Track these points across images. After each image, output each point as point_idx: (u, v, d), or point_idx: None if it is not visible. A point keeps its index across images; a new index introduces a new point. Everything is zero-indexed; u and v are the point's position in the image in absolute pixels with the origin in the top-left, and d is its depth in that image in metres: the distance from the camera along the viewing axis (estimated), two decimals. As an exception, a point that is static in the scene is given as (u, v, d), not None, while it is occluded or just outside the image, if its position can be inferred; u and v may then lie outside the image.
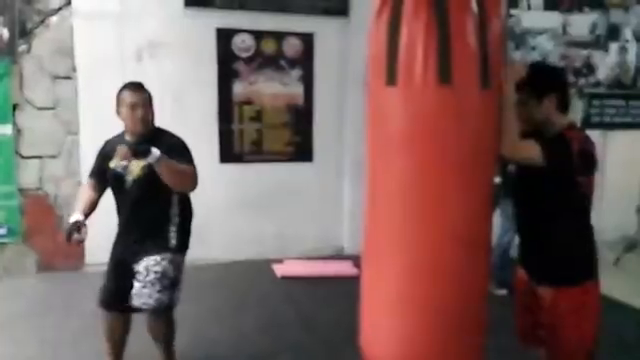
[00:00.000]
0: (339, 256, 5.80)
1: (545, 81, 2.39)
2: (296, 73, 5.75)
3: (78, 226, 2.95)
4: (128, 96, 3.09)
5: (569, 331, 2.35)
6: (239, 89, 5.63)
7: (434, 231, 2.04)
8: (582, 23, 6.63)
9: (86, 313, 4.27)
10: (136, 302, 3.05)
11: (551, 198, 2.33)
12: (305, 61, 5.80)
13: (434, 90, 1.97)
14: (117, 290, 3.13)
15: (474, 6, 1.99)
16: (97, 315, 4.19)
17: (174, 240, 3.10)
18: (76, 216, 3.00)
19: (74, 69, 5.25)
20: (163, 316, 3.14)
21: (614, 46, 6.79)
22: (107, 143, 3.28)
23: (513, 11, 6.23)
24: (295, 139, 5.81)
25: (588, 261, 2.41)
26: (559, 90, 2.40)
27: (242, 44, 5.60)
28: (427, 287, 2.07)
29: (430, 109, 1.99)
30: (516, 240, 4.41)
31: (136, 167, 3.00)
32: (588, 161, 2.30)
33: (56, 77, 5.23)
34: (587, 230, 2.42)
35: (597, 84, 6.76)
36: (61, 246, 5.30)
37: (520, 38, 6.33)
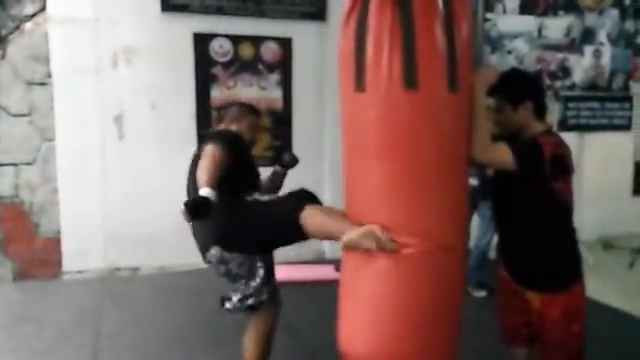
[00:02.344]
0: (320, 260, 5.80)
1: (520, 88, 2.40)
2: (274, 77, 5.74)
3: (208, 208, 2.27)
4: (253, 118, 3.11)
5: (560, 334, 2.37)
6: (217, 94, 5.61)
7: (408, 233, 2.05)
8: (557, 26, 6.71)
9: (63, 322, 4.24)
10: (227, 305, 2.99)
11: (528, 203, 2.33)
12: (283, 65, 5.80)
13: (401, 96, 1.98)
14: None
15: (440, 9, 2.00)
16: (75, 325, 4.17)
17: None
18: (206, 191, 2.30)
19: (49, 75, 5.19)
20: None
21: (589, 49, 6.88)
22: (239, 133, 2.97)
23: (489, 15, 6.27)
24: (274, 143, 5.79)
25: (573, 265, 2.42)
26: (534, 96, 2.40)
27: (220, 49, 5.58)
28: (404, 288, 2.08)
29: (397, 115, 2.01)
30: (494, 241, 4.47)
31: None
32: (561, 165, 2.29)
33: (31, 83, 5.18)
34: (569, 235, 2.43)
35: (573, 87, 6.84)
36: (37, 254, 5.28)
37: (496, 42, 6.38)
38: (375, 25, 2.00)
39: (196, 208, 2.23)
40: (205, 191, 2.28)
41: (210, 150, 2.54)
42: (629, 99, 7.14)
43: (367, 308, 2.14)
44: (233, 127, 2.99)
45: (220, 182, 2.40)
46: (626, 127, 7.15)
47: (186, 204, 2.21)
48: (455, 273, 2.19)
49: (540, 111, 2.41)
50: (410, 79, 1.96)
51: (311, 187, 2.68)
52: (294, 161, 3.26)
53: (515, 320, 2.51)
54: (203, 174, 2.40)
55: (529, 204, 2.33)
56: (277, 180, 3.26)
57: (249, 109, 3.12)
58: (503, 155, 2.24)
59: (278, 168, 3.26)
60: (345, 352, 2.21)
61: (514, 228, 2.44)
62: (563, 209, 2.38)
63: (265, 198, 2.72)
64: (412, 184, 2.05)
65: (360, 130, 2.11)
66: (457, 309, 2.23)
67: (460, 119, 2.10)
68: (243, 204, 2.65)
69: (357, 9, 2.06)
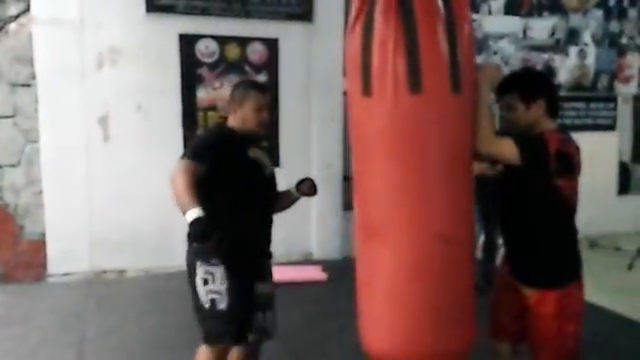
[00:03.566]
0: (308, 261, 5.79)
1: (534, 86, 2.42)
2: (261, 78, 5.71)
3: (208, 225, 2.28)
4: (257, 96, 2.68)
5: (552, 332, 2.37)
6: (203, 95, 5.59)
7: (418, 230, 2.14)
8: (542, 27, 6.76)
9: (48, 325, 4.20)
10: (272, 331, 2.77)
11: (529, 198, 2.35)
12: (270, 66, 5.78)
13: (406, 99, 2.06)
14: (249, 316, 2.67)
15: (442, 13, 2.07)
16: (60, 328, 4.13)
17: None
18: (197, 212, 2.26)
19: (33, 76, 5.14)
20: None
21: (574, 49, 6.94)
22: (222, 131, 2.80)
23: (474, 16, 6.30)
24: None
25: (571, 264, 2.43)
26: (548, 94, 2.42)
27: (205, 50, 5.55)
28: (415, 283, 2.16)
29: (404, 118, 2.09)
30: (480, 242, 4.50)
31: (268, 163, 2.74)
32: (566, 162, 2.29)
33: (15, 85, 5.13)
34: (570, 233, 2.44)
35: (558, 87, 6.87)
36: (22, 257, 5.23)
37: (482, 42, 6.41)
38: (380, 31, 2.08)
39: (197, 234, 2.24)
40: (193, 213, 2.24)
41: (178, 167, 2.40)
42: (614, 99, 7.21)
43: (382, 303, 2.23)
44: (236, 115, 2.67)
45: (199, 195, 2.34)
46: (611, 127, 7.22)
47: (188, 235, 2.26)
48: (464, 267, 2.26)
49: (553, 110, 2.43)
50: (415, 83, 2.05)
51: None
52: (312, 191, 2.87)
53: (506, 315, 2.54)
54: (182, 197, 2.29)
55: (532, 199, 2.35)
56: (285, 201, 2.90)
57: (251, 85, 2.80)
58: (508, 149, 2.27)
59: (294, 192, 2.88)
60: (366, 346, 2.32)
61: (517, 223, 2.46)
62: (565, 207, 2.38)
63: None
64: (420, 183, 2.13)
65: (368, 133, 2.20)
66: (468, 303, 2.30)
67: (464, 119, 2.18)
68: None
69: (362, 16, 2.14)
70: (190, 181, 2.35)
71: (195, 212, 2.24)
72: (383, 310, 2.23)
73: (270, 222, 2.78)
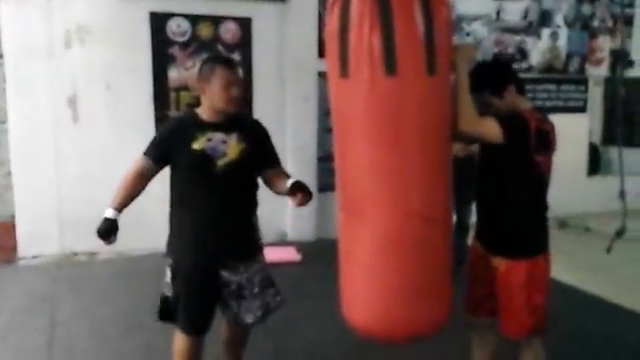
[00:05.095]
0: (283, 242, 5.79)
1: (499, 78, 2.51)
2: (234, 58, 5.65)
3: (114, 227, 2.55)
4: (224, 72, 2.54)
5: (520, 301, 2.46)
6: (175, 75, 5.51)
7: (395, 209, 2.18)
8: (515, 9, 6.79)
9: (18, 308, 4.15)
10: (248, 319, 2.71)
11: (508, 174, 2.45)
12: (243, 46, 5.72)
13: (382, 81, 2.09)
14: (208, 310, 2.66)
15: None
16: (31, 311, 4.07)
17: (261, 236, 2.81)
18: (110, 213, 2.56)
19: (1, 55, 5.02)
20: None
21: (546, 32, 6.99)
22: (179, 120, 2.90)
23: (449, -3, 6.29)
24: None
25: (540, 236, 2.54)
26: (512, 78, 2.55)
27: (177, 28, 5.47)
28: (392, 260, 2.20)
29: (380, 99, 2.11)
30: (453, 221, 4.54)
31: (234, 148, 2.57)
32: (544, 140, 2.42)
33: (-19, 64, 5.00)
34: (541, 206, 2.55)
35: (529, 69, 6.94)
36: (-10, 239, 5.14)
37: (455, 24, 6.41)
38: (356, 13, 2.09)
39: (99, 231, 2.55)
40: (107, 212, 2.58)
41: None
42: (585, 81, 7.29)
43: (361, 279, 2.29)
44: (206, 95, 2.58)
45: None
46: (581, 109, 7.31)
47: (97, 231, 2.54)
48: (441, 246, 2.31)
49: (521, 88, 2.56)
50: (390, 65, 2.07)
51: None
52: (305, 201, 2.57)
53: (480, 291, 2.62)
54: (115, 190, 2.64)
55: (511, 175, 2.44)
56: (279, 188, 2.71)
57: (217, 60, 2.67)
58: (491, 128, 2.35)
59: (287, 189, 2.63)
60: (347, 319, 2.38)
61: (491, 197, 2.56)
62: (541, 182, 2.51)
63: None
64: (397, 163, 2.16)
65: (347, 114, 2.23)
66: (444, 279, 2.34)
67: (440, 100, 2.22)
68: None
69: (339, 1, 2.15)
70: (133, 176, 2.61)
71: (110, 212, 2.57)
72: (362, 285, 2.29)
73: (237, 212, 2.65)
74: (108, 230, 2.53)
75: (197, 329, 2.64)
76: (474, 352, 2.80)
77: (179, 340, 2.65)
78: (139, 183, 2.61)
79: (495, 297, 2.55)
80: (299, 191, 2.53)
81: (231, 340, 2.88)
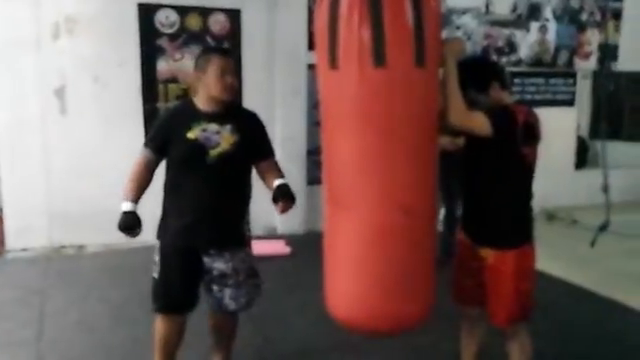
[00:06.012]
0: (272, 236, 5.79)
1: (483, 76, 2.55)
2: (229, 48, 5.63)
3: (136, 219, 2.57)
4: (219, 60, 2.61)
5: (509, 289, 2.51)
6: (163, 67, 5.48)
7: (381, 201, 2.19)
8: (504, 2, 6.79)
9: (6, 301, 4.13)
10: (232, 306, 2.78)
11: (496, 166, 2.49)
12: (232, 38, 5.69)
13: (371, 72, 2.10)
14: (188, 289, 2.70)
15: None
16: (19, 304, 4.05)
17: (249, 228, 2.87)
18: (128, 206, 2.58)
19: (-13, 47, 4.98)
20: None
21: (535, 25, 7.00)
22: (175, 110, 2.93)
23: (438, -10, 6.28)
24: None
25: (526, 226, 2.60)
26: (496, 74, 2.61)
27: (165, 20, 5.43)
28: (376, 252, 2.22)
29: (368, 91, 2.12)
30: (442, 214, 4.56)
31: (227, 139, 2.62)
32: (531, 132, 2.48)
33: (-33, 55, 4.95)
34: (527, 196, 2.60)
35: (518, 62, 6.96)
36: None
37: (445, 17, 6.41)
38: (346, 4, 2.10)
39: (121, 225, 2.54)
40: (125, 205, 2.57)
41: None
42: (573, 75, 7.32)
43: (345, 270, 2.30)
44: (201, 84, 2.63)
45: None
46: (570, 102, 7.35)
47: (119, 227, 2.53)
48: (425, 238, 2.32)
49: (504, 83, 2.60)
50: (379, 56, 2.07)
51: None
52: (286, 209, 2.70)
53: (468, 282, 2.66)
54: (125, 186, 2.62)
55: (498, 167, 2.49)
56: (268, 183, 2.80)
57: (212, 50, 2.76)
58: (480, 121, 2.38)
59: (274, 190, 2.73)
60: (331, 311, 2.39)
61: (478, 188, 2.60)
62: (527, 173, 2.56)
63: None
64: (384, 156, 2.17)
65: (335, 106, 2.24)
66: (428, 272, 2.36)
67: (428, 93, 2.23)
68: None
69: None
70: (138, 169, 2.64)
71: (126, 205, 2.57)
72: (346, 277, 2.30)
73: (226, 202, 2.69)
74: (130, 223, 2.54)
75: (175, 306, 2.69)
76: (463, 341, 2.85)
77: (159, 325, 2.70)
78: (146, 174, 2.65)
79: (483, 287, 2.59)
80: (282, 198, 2.64)
81: (217, 329, 2.94)
